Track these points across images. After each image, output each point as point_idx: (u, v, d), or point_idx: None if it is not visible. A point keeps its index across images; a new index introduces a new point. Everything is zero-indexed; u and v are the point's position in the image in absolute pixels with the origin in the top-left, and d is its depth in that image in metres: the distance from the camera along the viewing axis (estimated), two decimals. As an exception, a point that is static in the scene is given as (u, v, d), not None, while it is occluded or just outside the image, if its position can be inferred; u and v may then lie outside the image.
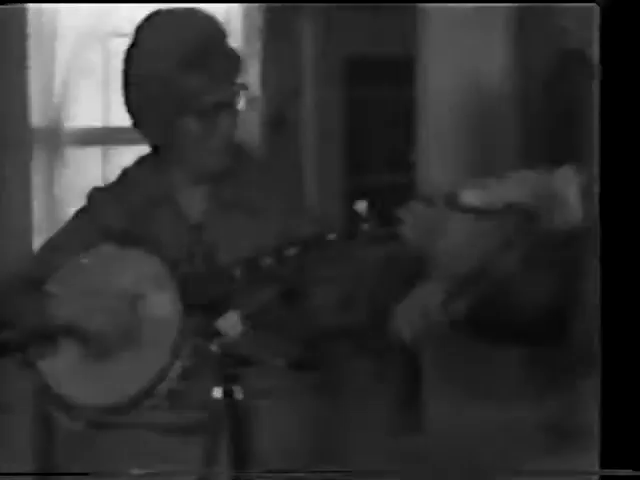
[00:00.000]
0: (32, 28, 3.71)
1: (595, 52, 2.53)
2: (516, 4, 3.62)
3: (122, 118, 3.08)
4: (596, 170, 2.50)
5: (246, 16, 5.39)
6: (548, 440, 2.60)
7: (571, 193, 2.36)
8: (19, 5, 3.69)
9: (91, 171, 5.05)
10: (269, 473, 2.55)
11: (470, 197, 2.43)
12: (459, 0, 3.66)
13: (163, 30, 3.00)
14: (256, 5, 5.35)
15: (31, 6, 3.96)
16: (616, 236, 2.53)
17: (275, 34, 5.33)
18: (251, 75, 5.14)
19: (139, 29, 3.01)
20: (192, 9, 3.04)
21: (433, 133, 3.66)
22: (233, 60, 2.98)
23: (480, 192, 2.42)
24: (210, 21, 3.00)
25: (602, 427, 2.51)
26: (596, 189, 2.48)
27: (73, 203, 3.19)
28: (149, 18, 3.02)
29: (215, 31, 2.99)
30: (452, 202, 2.49)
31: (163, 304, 2.78)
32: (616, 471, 2.47)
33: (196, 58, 2.91)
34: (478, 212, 2.45)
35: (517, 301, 2.68)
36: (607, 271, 2.53)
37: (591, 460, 2.57)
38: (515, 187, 2.41)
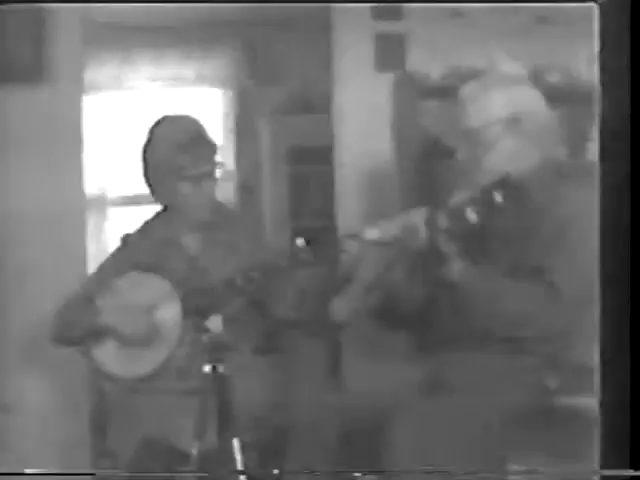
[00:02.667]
0: (85, 124, 3.61)
1: (595, 51, 1.91)
2: (513, 5, 3.54)
3: (143, 188, 3.02)
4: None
5: (224, 119, 5.41)
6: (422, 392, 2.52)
7: (424, 230, 2.34)
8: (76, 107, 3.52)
9: (124, 221, 4.99)
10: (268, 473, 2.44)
11: (370, 233, 2.39)
12: (457, 0, 3.59)
13: (165, 129, 2.97)
14: (229, 112, 5.38)
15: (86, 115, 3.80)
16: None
17: (242, 131, 5.36)
18: (228, 157, 5.14)
19: (151, 130, 2.99)
20: (185, 116, 3.02)
21: (346, 193, 3.66)
22: (211, 146, 2.95)
23: (376, 229, 2.39)
24: (196, 123, 2.97)
25: (602, 427, 1.88)
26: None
27: (113, 244, 3.11)
28: (157, 123, 2.98)
29: (199, 129, 2.96)
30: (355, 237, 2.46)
31: (171, 310, 2.73)
32: (616, 471, 1.85)
33: (186, 145, 2.89)
34: (376, 243, 2.41)
35: (401, 299, 2.63)
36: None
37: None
38: (398, 226, 2.38)
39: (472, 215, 2.29)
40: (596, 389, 1.99)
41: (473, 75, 3.20)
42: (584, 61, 3.66)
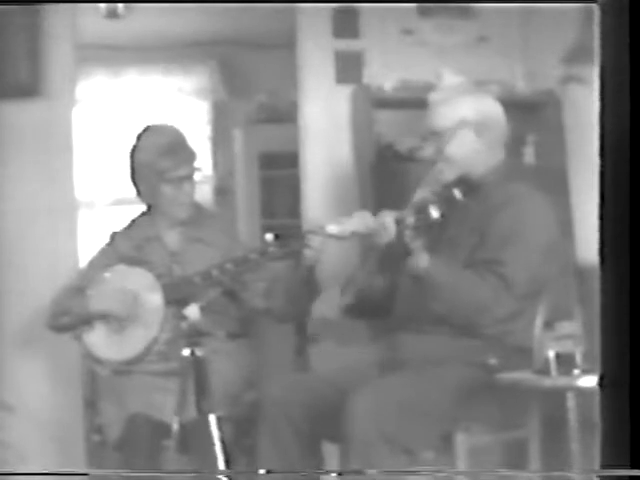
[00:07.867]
0: (77, 134, 3.53)
1: (596, 51, 1.70)
2: (517, 4, 3.46)
3: (130, 189, 2.98)
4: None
5: (202, 128, 5.37)
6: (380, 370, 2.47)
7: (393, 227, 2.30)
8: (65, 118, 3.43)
9: (112, 220, 4.90)
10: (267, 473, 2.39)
11: (331, 229, 2.36)
12: (453, 0, 3.55)
13: (150, 137, 2.93)
14: (206, 122, 5.37)
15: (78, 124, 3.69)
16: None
17: (218, 138, 5.33)
18: (205, 162, 5.12)
19: (137, 137, 2.95)
20: (167, 125, 2.99)
21: (311, 193, 3.60)
22: (190, 152, 2.93)
23: (336, 225, 2.35)
24: (177, 131, 2.95)
25: (602, 427, 1.68)
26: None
27: (102, 240, 3.05)
28: (142, 131, 2.95)
29: (179, 136, 2.93)
30: (318, 232, 2.43)
31: (153, 300, 2.69)
32: (616, 471, 1.65)
33: (168, 150, 2.86)
34: (337, 237, 2.37)
35: (370, 293, 2.61)
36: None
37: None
38: (355, 222, 2.35)
39: (434, 211, 2.26)
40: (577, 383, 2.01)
41: (422, 87, 3.19)
42: (519, 75, 3.66)
